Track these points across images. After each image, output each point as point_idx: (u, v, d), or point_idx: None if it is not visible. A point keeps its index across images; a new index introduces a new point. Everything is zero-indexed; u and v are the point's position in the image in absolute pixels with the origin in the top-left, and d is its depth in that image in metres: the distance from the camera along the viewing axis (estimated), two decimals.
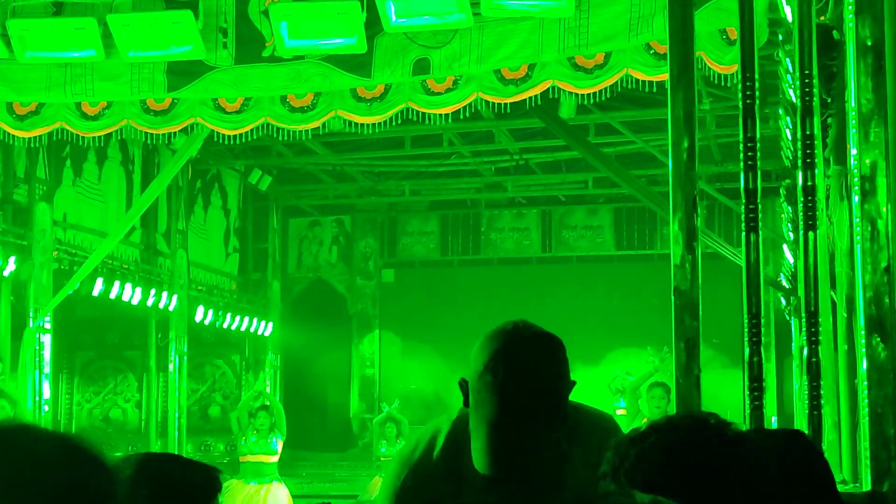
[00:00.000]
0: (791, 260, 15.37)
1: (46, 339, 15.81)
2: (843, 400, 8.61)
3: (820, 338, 4.03)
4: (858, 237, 3.43)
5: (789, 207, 14.63)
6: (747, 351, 3.85)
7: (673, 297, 3.68)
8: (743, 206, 3.82)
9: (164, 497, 2.63)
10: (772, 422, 19.66)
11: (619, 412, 17.81)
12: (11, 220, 15.76)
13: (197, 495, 2.83)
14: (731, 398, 21.09)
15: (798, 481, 2.73)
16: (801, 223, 4.05)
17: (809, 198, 3.97)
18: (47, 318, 15.78)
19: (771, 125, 12.93)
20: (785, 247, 15.47)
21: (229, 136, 12.21)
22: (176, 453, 3.00)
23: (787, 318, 16.29)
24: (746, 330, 3.87)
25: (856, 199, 3.48)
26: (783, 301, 16.49)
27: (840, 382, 8.79)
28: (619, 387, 18.93)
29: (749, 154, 3.79)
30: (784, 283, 15.71)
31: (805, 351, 3.96)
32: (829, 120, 8.26)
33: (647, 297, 20.88)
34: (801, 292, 3.94)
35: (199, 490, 2.85)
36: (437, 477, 3.25)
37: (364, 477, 20.47)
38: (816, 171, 4.03)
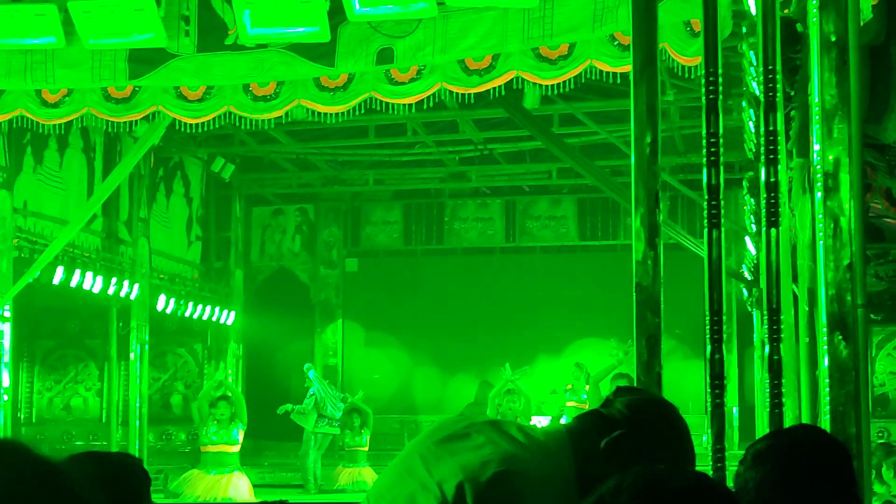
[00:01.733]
0: (753, 252, 15.42)
1: (6, 328, 15.68)
2: (804, 392, 8.62)
3: (782, 335, 4.01)
4: (821, 234, 3.41)
5: (752, 200, 14.67)
6: (709, 348, 3.82)
7: (634, 294, 3.65)
8: (705, 203, 3.78)
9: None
10: (733, 412, 19.76)
11: (568, 404, 17.87)
12: None
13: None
14: (692, 388, 21.20)
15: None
16: (763, 219, 4.02)
17: (772, 194, 3.94)
18: (7, 307, 15.65)
19: (734, 117, 12.94)
20: (747, 238, 15.50)
21: (192, 125, 12.13)
22: (99, 451, 2.82)
23: (749, 309, 16.35)
24: (708, 327, 3.84)
25: (818, 195, 3.45)
26: (745, 292, 16.54)
27: (801, 375, 8.80)
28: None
29: (712, 150, 3.75)
30: (746, 274, 15.76)
31: (767, 348, 3.94)
32: (793, 113, 8.26)
33: (611, 287, 20.94)
34: (763, 288, 3.92)
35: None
36: None
37: (327, 467, 20.47)
38: (780, 166, 4.01)
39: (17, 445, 1.53)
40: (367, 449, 19.36)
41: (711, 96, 3.71)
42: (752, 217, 14.92)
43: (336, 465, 19.66)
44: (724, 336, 4.05)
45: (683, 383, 20.66)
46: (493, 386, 17.65)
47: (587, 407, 17.01)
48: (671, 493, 2.05)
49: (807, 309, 8.72)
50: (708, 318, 3.79)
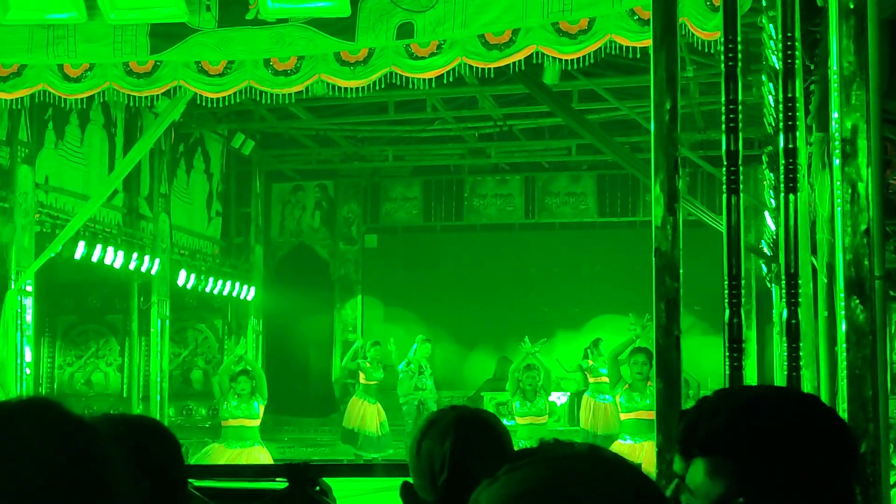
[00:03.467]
0: (773, 227, 15.40)
1: (28, 302, 15.77)
2: (822, 365, 8.65)
3: (800, 300, 4.04)
4: (839, 200, 3.44)
5: (771, 174, 14.65)
6: (727, 313, 3.86)
7: (654, 258, 3.69)
8: (724, 169, 3.82)
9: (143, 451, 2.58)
10: None
11: (591, 380, 17.91)
12: None
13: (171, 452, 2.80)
14: (711, 364, 21.18)
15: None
16: (782, 185, 4.06)
17: (791, 160, 3.98)
18: (29, 281, 15.73)
19: (754, 93, 12.93)
20: (767, 214, 15.48)
21: (212, 100, 12.17)
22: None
23: (769, 285, 16.32)
24: (727, 292, 3.88)
25: (836, 161, 3.48)
26: (764, 268, 16.52)
27: (820, 348, 8.83)
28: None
29: (731, 117, 3.79)
30: (765, 250, 15.74)
31: (785, 313, 3.97)
32: (812, 87, 8.26)
33: (630, 263, 20.93)
34: (781, 255, 3.94)
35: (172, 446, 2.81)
36: None
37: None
38: (798, 134, 4.04)
39: (51, 402, 1.55)
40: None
41: (731, 63, 3.74)
42: (771, 192, 14.90)
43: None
44: (743, 312, 4.08)
45: (702, 359, 20.68)
46: (512, 362, 17.68)
47: (607, 381, 17.05)
48: (770, 407, 2.08)
49: (825, 281, 8.76)
50: (727, 282, 3.83)
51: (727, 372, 3.90)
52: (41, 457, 1.42)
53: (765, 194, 15.62)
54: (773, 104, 10.70)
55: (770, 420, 2.05)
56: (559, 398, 20.58)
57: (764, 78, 10.63)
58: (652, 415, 4.53)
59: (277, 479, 4.47)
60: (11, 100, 12.37)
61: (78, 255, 16.94)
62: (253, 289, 23.01)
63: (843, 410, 3.41)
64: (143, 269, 18.95)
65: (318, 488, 4.32)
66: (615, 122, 19.18)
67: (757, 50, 10.57)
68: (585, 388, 17.95)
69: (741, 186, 3.84)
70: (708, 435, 2.05)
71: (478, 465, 2.68)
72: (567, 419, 20.15)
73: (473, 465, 2.69)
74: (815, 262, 8.88)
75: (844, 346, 3.38)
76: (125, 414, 2.87)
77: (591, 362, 18.13)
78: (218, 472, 5.16)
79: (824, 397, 8.24)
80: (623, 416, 14.18)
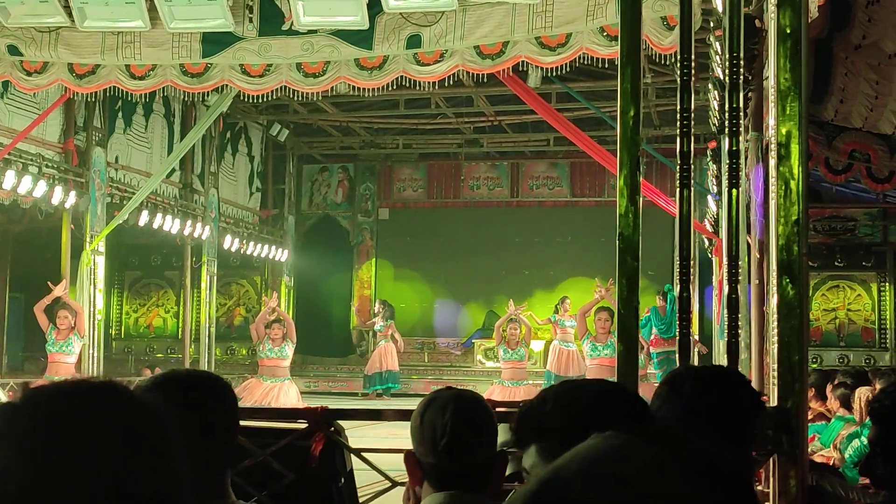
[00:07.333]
0: (714, 208, 15.38)
1: (100, 261, 15.74)
2: (752, 325, 8.60)
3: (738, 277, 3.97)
4: (774, 194, 3.36)
5: (714, 165, 14.64)
6: (678, 287, 3.79)
7: (617, 242, 3.60)
8: (678, 167, 3.73)
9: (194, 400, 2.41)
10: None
11: (560, 331, 17.69)
12: (72, 162, 15.66)
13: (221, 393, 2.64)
14: None
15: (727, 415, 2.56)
16: (726, 181, 3.98)
17: (734, 161, 3.90)
18: (101, 243, 15.70)
19: (700, 97, 12.83)
20: (709, 197, 15.49)
21: (254, 95, 12.07)
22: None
23: (709, 255, 16.29)
24: (679, 270, 3.81)
25: (772, 162, 3.40)
26: (706, 241, 16.48)
27: (751, 310, 8.78)
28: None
29: (684, 123, 3.70)
30: (707, 226, 15.74)
31: (726, 288, 3.89)
32: (749, 94, 8.22)
33: (596, 235, 20.94)
34: (724, 239, 3.88)
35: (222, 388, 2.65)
36: None
37: (360, 377, 20.64)
38: (740, 138, 3.95)
39: (121, 388, 1.33)
40: None
41: (685, 77, 3.66)
42: (713, 180, 14.89)
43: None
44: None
45: None
46: (499, 316, 17.62)
47: (570, 332, 17.08)
48: (588, 394, 2.04)
49: (758, 256, 8.71)
50: (678, 262, 3.76)
51: (678, 337, 3.83)
52: (105, 443, 1.23)
53: (708, 181, 15.58)
54: (716, 108, 10.63)
55: (587, 406, 2.00)
56: (536, 345, 20.55)
57: (710, 86, 10.56)
58: (612, 361, 4.48)
59: (300, 421, 4.39)
60: (87, 93, 12.29)
61: (142, 222, 16.93)
62: (286, 252, 22.96)
63: (773, 370, 3.34)
64: (196, 234, 18.92)
65: (332, 429, 4.25)
66: (585, 119, 19.04)
67: (704, 62, 10.47)
68: (554, 337, 17.89)
69: (692, 177, 3.77)
70: (538, 422, 1.99)
71: (471, 433, 2.63)
72: (543, 363, 20.10)
73: (468, 432, 2.62)
74: (749, 240, 8.84)
75: (776, 317, 3.30)
76: (176, 371, 2.65)
77: (558, 317, 18.05)
78: (251, 414, 5.07)
79: (753, 351, 8.18)
80: (589, 363, 14.19)
